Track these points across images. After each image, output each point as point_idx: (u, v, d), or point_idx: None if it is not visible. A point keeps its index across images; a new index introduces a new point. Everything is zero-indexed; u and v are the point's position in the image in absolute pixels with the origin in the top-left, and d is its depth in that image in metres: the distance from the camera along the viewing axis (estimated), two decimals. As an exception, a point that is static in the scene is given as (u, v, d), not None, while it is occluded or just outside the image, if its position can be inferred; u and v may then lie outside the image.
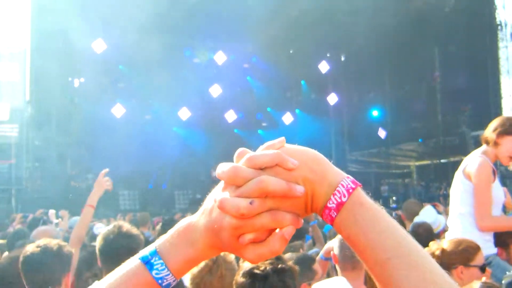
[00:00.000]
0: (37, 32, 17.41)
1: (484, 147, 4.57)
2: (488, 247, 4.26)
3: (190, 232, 0.99)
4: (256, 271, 2.53)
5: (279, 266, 2.57)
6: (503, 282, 3.25)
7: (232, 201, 0.89)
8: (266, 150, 0.96)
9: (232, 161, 0.95)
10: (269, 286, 2.53)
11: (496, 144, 4.41)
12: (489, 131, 4.49)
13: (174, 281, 0.99)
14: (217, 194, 0.94)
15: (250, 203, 0.88)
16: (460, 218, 4.53)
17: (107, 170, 5.29)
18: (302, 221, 0.95)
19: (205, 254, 1.00)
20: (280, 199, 0.91)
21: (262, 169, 0.92)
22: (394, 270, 0.88)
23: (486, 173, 4.40)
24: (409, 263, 0.89)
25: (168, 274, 0.97)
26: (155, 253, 0.98)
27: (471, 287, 2.78)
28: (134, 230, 3.80)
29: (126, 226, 3.79)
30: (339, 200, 0.90)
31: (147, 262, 0.97)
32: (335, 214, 0.91)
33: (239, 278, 2.57)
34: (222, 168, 0.93)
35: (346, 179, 0.93)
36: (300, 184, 0.91)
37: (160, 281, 0.96)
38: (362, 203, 0.92)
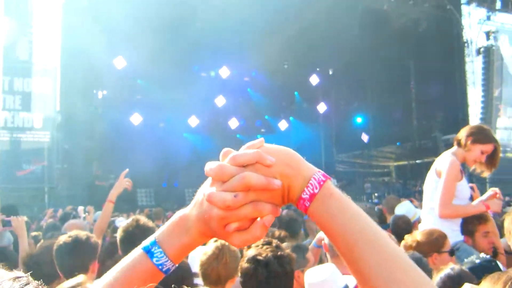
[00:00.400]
0: (66, 51, 17.40)
1: (455, 148, 4.61)
2: (456, 235, 4.34)
3: (184, 222, 1.01)
4: (259, 257, 2.53)
5: (279, 253, 2.57)
6: (464, 267, 3.12)
7: (219, 195, 0.91)
8: (248, 150, 0.98)
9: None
10: (270, 271, 2.52)
11: (467, 149, 4.45)
12: (464, 135, 4.52)
13: (172, 266, 1.02)
14: (206, 189, 0.96)
15: (235, 196, 0.91)
16: (431, 212, 4.55)
17: (127, 170, 5.29)
18: (281, 210, 0.97)
19: (198, 241, 1.03)
20: (261, 192, 0.93)
21: (244, 166, 0.95)
22: (361, 251, 0.89)
23: (454, 171, 4.45)
24: (373, 245, 0.90)
25: (167, 261, 1.00)
26: (154, 243, 1.01)
27: (442, 270, 2.82)
28: (150, 223, 3.85)
29: (143, 219, 3.83)
30: (311, 192, 0.93)
31: (148, 251, 1.00)
32: (309, 203, 0.93)
33: (244, 264, 2.57)
34: (210, 166, 0.96)
35: (318, 173, 0.95)
36: (277, 178, 0.93)
37: (160, 267, 1.00)
38: (332, 193, 0.94)
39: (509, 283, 1.99)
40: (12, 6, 17.08)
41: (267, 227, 0.95)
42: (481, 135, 4.47)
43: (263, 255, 2.55)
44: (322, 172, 0.97)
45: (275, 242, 2.66)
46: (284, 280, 2.58)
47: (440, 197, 4.38)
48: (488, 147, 4.44)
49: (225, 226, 0.94)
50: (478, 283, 2.80)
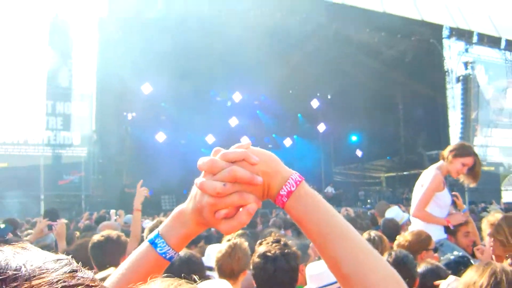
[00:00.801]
0: (101, 78, 17.56)
1: (440, 162, 4.70)
2: (440, 234, 4.50)
3: (183, 215, 1.04)
4: (268, 254, 2.54)
5: (286, 250, 2.57)
6: (441, 263, 3.32)
7: (210, 183, 0.95)
8: (237, 149, 1.01)
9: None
10: (277, 266, 2.52)
11: (450, 162, 4.53)
12: (447, 151, 4.61)
13: (174, 253, 1.06)
14: (198, 179, 0.99)
15: (224, 185, 0.94)
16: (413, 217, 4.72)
17: (141, 181, 5.35)
18: (261, 202, 0.99)
19: (195, 230, 1.06)
20: (245, 185, 0.95)
21: (232, 162, 0.97)
22: (332, 241, 0.93)
23: (435, 183, 4.56)
24: (343, 236, 0.94)
25: (169, 249, 1.04)
26: (158, 235, 1.06)
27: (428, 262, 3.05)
28: None
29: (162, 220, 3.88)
30: (289, 189, 0.96)
31: (152, 242, 1.05)
32: (286, 199, 0.96)
33: (255, 259, 2.58)
34: (203, 160, 1.00)
35: (295, 174, 0.99)
36: (259, 175, 0.96)
37: (164, 255, 1.04)
38: (306, 192, 0.97)
39: (494, 277, 1.96)
40: (55, 39, 17.26)
41: (251, 214, 0.96)
42: (461, 150, 4.54)
43: (272, 251, 2.55)
44: (298, 173, 1.00)
45: (283, 240, 2.65)
46: (290, 274, 2.57)
47: (417, 202, 4.53)
48: (468, 160, 4.49)
49: (215, 213, 0.96)
50: (456, 275, 2.81)
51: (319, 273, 2.59)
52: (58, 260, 0.64)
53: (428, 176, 4.60)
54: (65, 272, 0.62)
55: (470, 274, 2.02)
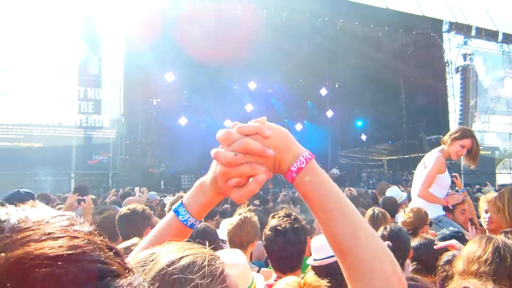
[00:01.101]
0: (128, 67, 17.56)
1: (442, 146, 4.66)
2: (439, 211, 4.55)
3: (203, 186, 1.04)
4: (279, 227, 2.48)
5: (296, 225, 2.50)
6: (437, 237, 3.35)
7: (223, 153, 0.94)
8: (252, 123, 0.98)
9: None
10: (287, 239, 2.45)
11: (449, 145, 4.52)
12: (447, 135, 4.60)
13: (195, 221, 1.06)
14: (214, 150, 0.97)
15: (235, 155, 0.92)
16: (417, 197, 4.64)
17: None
18: (271, 174, 0.96)
19: (214, 199, 1.04)
20: (256, 157, 0.93)
21: (246, 135, 0.95)
22: (335, 216, 0.92)
23: (438, 164, 4.52)
24: (345, 213, 0.93)
25: (190, 217, 1.04)
26: (181, 205, 1.06)
27: (422, 236, 3.07)
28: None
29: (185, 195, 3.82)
30: (299, 166, 0.94)
31: (176, 211, 1.05)
32: (295, 175, 0.94)
33: (267, 231, 2.52)
34: (220, 132, 0.97)
35: (305, 152, 0.98)
36: (271, 149, 0.94)
37: (185, 222, 1.05)
38: (315, 169, 0.96)
39: (497, 252, 1.84)
40: (85, 32, 17.26)
41: (260, 183, 0.94)
42: (460, 133, 4.51)
43: (283, 225, 2.47)
44: (309, 151, 0.98)
45: (294, 215, 2.57)
46: (298, 246, 2.50)
47: (422, 183, 4.47)
48: (466, 142, 4.45)
49: (227, 182, 0.95)
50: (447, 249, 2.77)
51: (322, 245, 2.52)
52: (60, 215, 0.58)
53: (431, 159, 4.55)
54: (61, 226, 0.55)
55: (472, 248, 1.92)
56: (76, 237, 0.55)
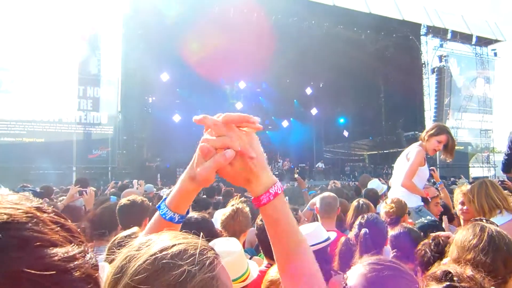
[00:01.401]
0: (125, 67, 17.44)
1: (419, 142, 4.69)
2: (419, 201, 4.50)
3: (180, 178, 1.03)
4: None
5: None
6: (416, 226, 3.31)
7: (212, 118, 0.99)
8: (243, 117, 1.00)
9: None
10: None
11: (427, 141, 4.52)
12: (424, 133, 4.63)
13: (174, 214, 1.03)
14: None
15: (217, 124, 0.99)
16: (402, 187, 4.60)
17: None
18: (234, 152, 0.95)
19: (187, 187, 1.01)
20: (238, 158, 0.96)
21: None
22: (288, 240, 0.98)
23: (420, 157, 4.53)
24: (296, 239, 0.99)
25: (168, 210, 1.03)
26: (163, 201, 1.05)
27: (402, 225, 3.01)
28: None
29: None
30: (267, 199, 0.96)
31: (158, 207, 1.05)
32: (273, 198, 0.96)
33: (258, 221, 2.54)
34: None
35: (276, 185, 0.99)
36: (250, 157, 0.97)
37: (164, 216, 1.03)
38: (283, 203, 0.98)
39: (493, 241, 1.84)
40: (86, 34, 17.10)
41: (226, 158, 0.93)
42: (435, 129, 4.54)
43: None
44: (279, 184, 1.00)
45: None
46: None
47: (405, 173, 4.46)
48: (442, 138, 4.49)
49: (203, 156, 0.96)
50: (426, 237, 2.80)
51: (307, 233, 2.54)
52: (13, 195, 0.59)
53: (413, 152, 4.56)
54: (6, 201, 0.56)
55: (466, 236, 1.90)
56: (10, 208, 0.55)
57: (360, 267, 1.43)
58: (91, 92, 17.18)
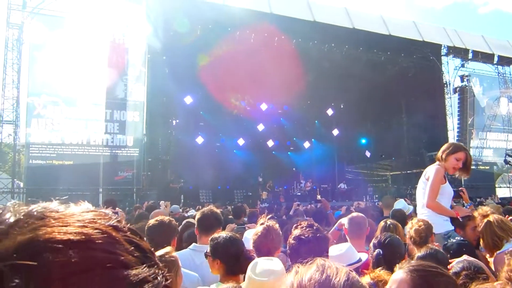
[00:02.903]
0: (151, 91, 17.77)
1: (437, 162, 4.57)
2: (447, 225, 4.25)
3: None
4: (302, 237, 2.45)
5: (318, 234, 2.47)
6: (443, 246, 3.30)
7: None
8: None
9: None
10: (309, 248, 2.43)
11: (445, 160, 4.41)
12: (440, 152, 4.52)
13: None
14: None
15: None
16: (424, 207, 4.46)
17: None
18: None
19: None
20: None
21: None
22: None
23: (439, 174, 4.39)
24: None
25: None
26: None
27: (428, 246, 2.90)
28: (218, 210, 4.04)
29: (215, 208, 4.01)
30: None
31: None
32: None
33: (291, 240, 2.52)
34: None
35: None
36: None
37: None
38: None
39: None
40: (113, 60, 17.56)
41: None
42: (452, 147, 4.49)
43: (306, 235, 2.48)
44: None
45: (316, 225, 2.57)
46: (320, 254, 2.42)
47: (427, 194, 4.33)
48: (460, 155, 4.41)
49: None
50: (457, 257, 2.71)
51: (339, 254, 2.53)
52: (89, 211, 0.59)
53: (431, 171, 4.45)
54: (83, 218, 0.56)
55: None
56: (86, 227, 0.54)
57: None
58: (117, 115, 17.53)
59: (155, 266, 0.59)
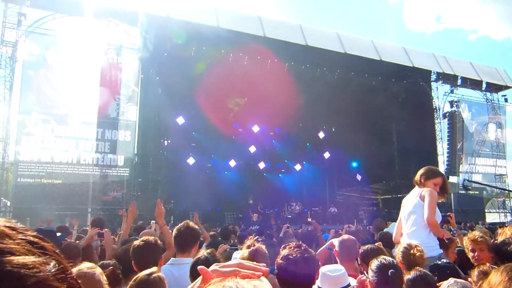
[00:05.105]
0: (142, 111, 17.79)
1: (416, 187, 4.68)
2: (438, 248, 4.30)
3: None
4: (290, 257, 2.44)
5: (306, 255, 2.46)
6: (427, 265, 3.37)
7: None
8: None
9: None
10: (297, 268, 2.42)
11: (423, 185, 4.50)
12: (418, 176, 4.61)
13: None
14: None
15: None
16: (422, 228, 4.43)
17: (159, 199, 5.29)
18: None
19: None
20: None
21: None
22: None
23: (435, 194, 4.45)
24: None
25: None
26: None
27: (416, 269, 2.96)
28: (196, 226, 3.96)
29: (191, 223, 3.92)
30: None
31: None
32: None
33: (279, 260, 2.49)
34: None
35: None
36: None
37: None
38: None
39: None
40: (106, 79, 17.62)
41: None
42: (430, 173, 4.57)
43: (294, 255, 2.45)
44: None
45: (304, 246, 2.55)
46: (309, 276, 2.47)
47: (429, 209, 4.30)
48: (438, 180, 4.52)
49: None
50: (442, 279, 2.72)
51: (337, 274, 2.51)
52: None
53: (426, 191, 4.43)
54: None
55: (496, 279, 1.83)
56: None
57: None
58: (109, 134, 17.49)
59: (49, 258, 0.61)
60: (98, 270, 2.43)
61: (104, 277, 2.46)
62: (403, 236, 4.61)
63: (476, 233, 4.17)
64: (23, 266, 0.55)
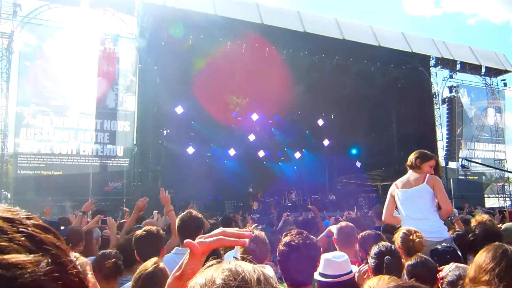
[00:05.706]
0: (141, 101, 17.74)
1: (410, 171, 4.76)
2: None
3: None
4: (292, 243, 2.45)
5: (307, 241, 2.47)
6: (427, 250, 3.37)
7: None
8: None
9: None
10: (299, 254, 2.42)
11: (419, 168, 4.59)
12: (412, 160, 4.70)
13: None
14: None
15: None
16: (432, 213, 4.48)
17: (162, 188, 5.48)
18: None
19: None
20: None
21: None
22: None
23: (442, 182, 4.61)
24: None
25: None
26: None
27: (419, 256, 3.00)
28: (199, 215, 3.95)
29: (194, 212, 3.90)
30: None
31: None
32: None
33: (281, 247, 2.50)
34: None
35: None
36: None
37: None
38: None
39: (510, 268, 1.79)
40: (104, 69, 17.53)
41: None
42: (424, 156, 4.67)
43: (295, 241, 2.46)
44: None
45: (305, 233, 2.56)
46: (311, 262, 2.49)
47: (445, 200, 4.49)
48: (432, 162, 4.63)
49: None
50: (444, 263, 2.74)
51: (342, 260, 2.52)
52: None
53: (436, 181, 4.52)
54: None
55: (485, 257, 1.84)
56: None
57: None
58: (108, 125, 17.46)
59: (44, 256, 0.58)
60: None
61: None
62: (407, 219, 4.62)
63: (484, 216, 4.28)
64: (13, 266, 0.53)
